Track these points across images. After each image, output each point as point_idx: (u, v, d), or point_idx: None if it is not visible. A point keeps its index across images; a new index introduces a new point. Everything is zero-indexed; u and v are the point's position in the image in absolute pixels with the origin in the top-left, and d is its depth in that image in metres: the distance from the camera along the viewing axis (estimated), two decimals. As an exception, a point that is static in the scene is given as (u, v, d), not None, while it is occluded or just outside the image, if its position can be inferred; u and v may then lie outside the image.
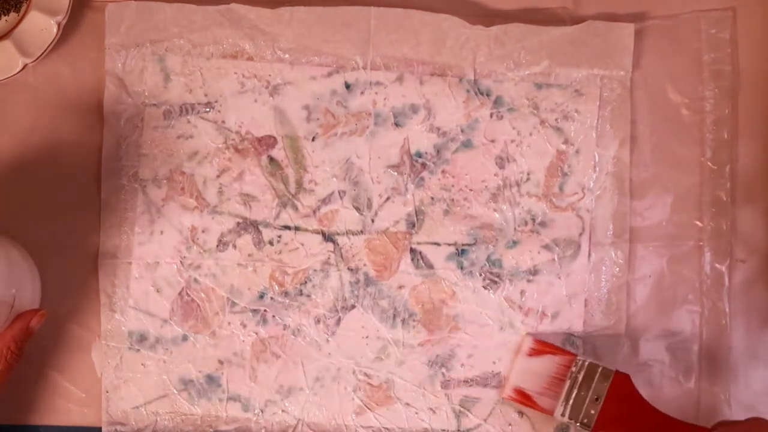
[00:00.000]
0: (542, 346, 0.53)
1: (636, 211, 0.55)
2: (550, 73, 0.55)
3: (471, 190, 0.55)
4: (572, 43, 0.54)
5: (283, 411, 0.54)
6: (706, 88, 0.56)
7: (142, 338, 0.54)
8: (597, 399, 0.50)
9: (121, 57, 0.54)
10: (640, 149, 0.56)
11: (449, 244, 0.55)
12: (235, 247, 0.54)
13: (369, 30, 0.54)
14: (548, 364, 0.52)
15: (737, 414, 0.55)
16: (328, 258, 0.54)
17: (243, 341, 0.54)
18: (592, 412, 0.50)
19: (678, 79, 0.56)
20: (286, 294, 0.54)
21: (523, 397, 0.52)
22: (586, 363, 0.51)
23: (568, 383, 0.51)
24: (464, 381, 0.54)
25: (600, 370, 0.51)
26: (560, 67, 0.55)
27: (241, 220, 0.54)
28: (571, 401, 0.51)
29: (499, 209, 0.55)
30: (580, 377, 0.51)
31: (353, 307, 0.54)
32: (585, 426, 0.50)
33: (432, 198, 0.55)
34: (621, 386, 0.51)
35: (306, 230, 0.54)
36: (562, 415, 0.51)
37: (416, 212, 0.55)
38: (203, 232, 0.54)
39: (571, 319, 0.55)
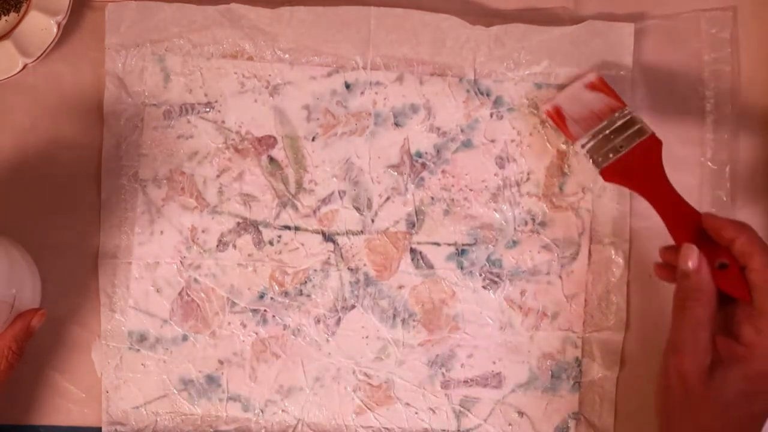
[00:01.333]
0: (602, 85, 0.53)
1: (636, 211, 0.55)
2: (550, 73, 0.55)
3: (471, 190, 0.55)
4: (572, 43, 0.54)
5: (283, 411, 0.54)
6: (706, 87, 0.56)
7: (142, 338, 0.54)
8: (621, 147, 0.50)
9: (121, 57, 0.54)
10: (640, 149, 0.56)
11: (449, 244, 0.55)
12: (235, 247, 0.54)
13: (369, 30, 0.54)
14: (597, 100, 0.52)
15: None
16: (328, 258, 0.54)
17: (243, 341, 0.54)
18: (611, 156, 0.50)
19: (678, 78, 0.56)
20: (286, 294, 0.54)
21: (558, 116, 0.52)
22: (631, 115, 0.51)
23: (604, 123, 0.51)
24: (464, 381, 0.54)
25: (639, 125, 0.50)
26: (560, 67, 0.55)
27: (241, 220, 0.54)
28: (598, 139, 0.51)
29: (499, 209, 0.55)
30: (618, 124, 0.51)
31: (353, 307, 0.54)
32: (597, 164, 0.50)
33: (432, 198, 0.55)
34: (648, 148, 0.50)
35: (306, 230, 0.54)
36: (583, 146, 0.51)
37: (416, 212, 0.55)
38: (203, 232, 0.54)
39: (571, 320, 0.55)
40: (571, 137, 0.52)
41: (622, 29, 0.55)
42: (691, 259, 0.45)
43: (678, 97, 0.56)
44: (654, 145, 0.50)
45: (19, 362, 0.48)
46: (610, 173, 0.50)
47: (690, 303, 0.44)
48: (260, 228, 0.54)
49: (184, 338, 0.54)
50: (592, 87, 0.53)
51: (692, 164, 0.56)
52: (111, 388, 0.54)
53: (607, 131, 0.51)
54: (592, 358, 0.54)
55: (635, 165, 0.50)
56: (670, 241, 0.49)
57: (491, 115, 0.55)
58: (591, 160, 0.51)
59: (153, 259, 0.54)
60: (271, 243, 0.54)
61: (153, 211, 0.54)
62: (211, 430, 0.54)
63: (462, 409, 0.54)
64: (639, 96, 0.55)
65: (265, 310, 0.54)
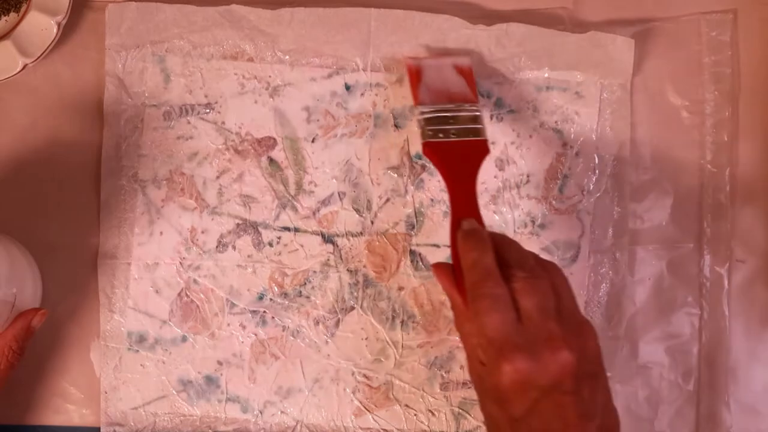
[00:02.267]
0: (469, 74, 0.52)
1: (636, 214, 0.55)
2: (550, 78, 0.55)
3: (471, 191, 0.55)
4: (573, 52, 0.54)
5: (282, 412, 0.54)
6: (706, 90, 0.56)
7: (141, 339, 0.54)
8: (453, 135, 0.50)
9: (122, 57, 0.54)
10: (640, 151, 0.56)
11: (449, 246, 0.54)
12: (234, 248, 0.54)
13: (369, 31, 0.54)
14: (457, 83, 0.52)
15: (737, 415, 0.55)
16: (328, 259, 0.54)
17: (242, 342, 0.54)
18: (440, 135, 0.49)
19: (678, 81, 0.56)
20: (285, 295, 0.54)
21: (416, 76, 0.52)
22: (478, 113, 0.51)
23: (451, 106, 0.51)
24: (463, 383, 0.54)
25: (480, 126, 0.50)
26: (560, 74, 0.54)
27: (240, 221, 0.54)
28: (438, 115, 0.50)
29: (498, 211, 0.55)
30: (462, 114, 0.50)
31: (352, 308, 0.54)
32: (424, 135, 0.50)
33: (432, 200, 0.55)
34: (476, 149, 0.50)
35: (305, 231, 0.54)
36: (422, 113, 0.50)
37: (416, 214, 0.55)
38: (203, 233, 0.54)
39: (571, 322, 0.54)
40: (416, 99, 0.51)
41: (623, 43, 0.54)
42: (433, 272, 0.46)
43: (678, 100, 0.56)
44: (482, 149, 0.50)
45: (19, 362, 0.48)
46: (431, 149, 0.49)
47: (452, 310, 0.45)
48: (260, 229, 0.54)
49: (183, 339, 0.54)
50: (459, 70, 0.52)
51: (692, 167, 0.56)
52: (110, 388, 0.54)
53: (449, 114, 0.50)
54: (591, 360, 0.54)
55: (457, 156, 0.49)
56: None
57: (491, 117, 0.55)
58: (421, 129, 0.50)
59: (152, 260, 0.54)
60: (270, 244, 0.54)
61: (152, 211, 0.54)
62: (210, 431, 0.54)
63: (461, 411, 0.54)
64: (639, 99, 0.55)
65: (264, 312, 0.54)
